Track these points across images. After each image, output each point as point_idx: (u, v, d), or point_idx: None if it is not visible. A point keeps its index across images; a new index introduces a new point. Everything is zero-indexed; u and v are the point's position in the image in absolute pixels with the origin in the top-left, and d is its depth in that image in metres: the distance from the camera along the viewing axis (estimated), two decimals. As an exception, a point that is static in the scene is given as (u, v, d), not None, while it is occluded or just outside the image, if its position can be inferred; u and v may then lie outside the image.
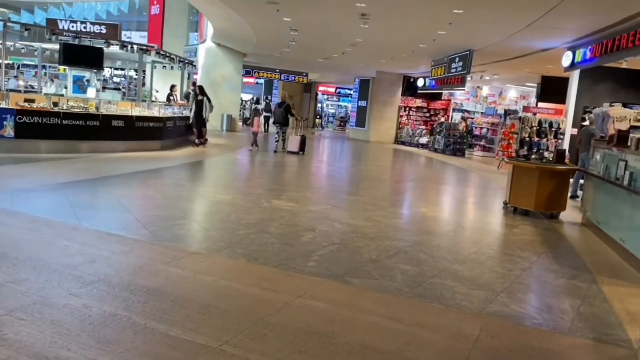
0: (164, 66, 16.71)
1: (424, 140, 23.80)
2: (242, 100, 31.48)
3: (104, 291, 3.59)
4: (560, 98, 19.73)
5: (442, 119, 25.76)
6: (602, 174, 7.02)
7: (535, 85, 23.04)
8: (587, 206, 7.90)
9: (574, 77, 14.89)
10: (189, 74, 19.70)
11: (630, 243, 5.72)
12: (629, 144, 6.98)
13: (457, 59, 16.94)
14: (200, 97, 14.73)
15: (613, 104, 9.62)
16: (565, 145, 14.71)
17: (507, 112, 24.43)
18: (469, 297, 4.20)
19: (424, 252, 5.48)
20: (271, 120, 22.49)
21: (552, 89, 20.46)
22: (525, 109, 15.09)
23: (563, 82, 20.18)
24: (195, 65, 21.47)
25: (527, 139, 14.65)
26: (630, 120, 9.19)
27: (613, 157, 6.88)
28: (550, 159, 8.95)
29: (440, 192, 11.19)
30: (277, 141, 16.00)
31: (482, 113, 26.56)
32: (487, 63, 17.89)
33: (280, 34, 16.58)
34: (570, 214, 8.50)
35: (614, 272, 5.36)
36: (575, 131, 15.01)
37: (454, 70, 17.31)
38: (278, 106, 15.97)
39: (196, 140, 14.99)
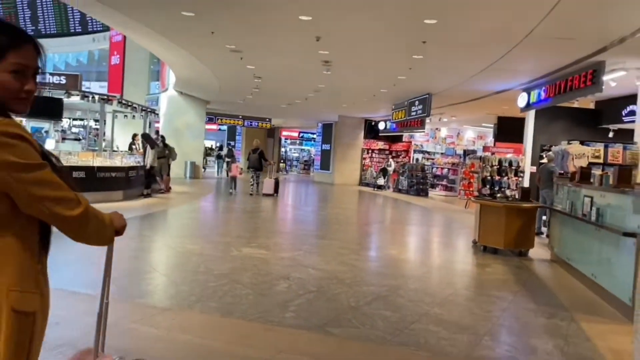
0: (125, 115, 16.50)
1: (381, 181, 23.82)
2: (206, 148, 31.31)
3: (71, 355, 3.33)
4: (517, 137, 20.41)
5: (400, 160, 26.19)
6: (569, 210, 7.17)
7: (492, 125, 23.83)
8: (555, 243, 8.02)
9: (530, 117, 15.44)
10: (150, 123, 19.54)
11: (602, 278, 5.79)
12: (591, 180, 7.19)
13: (417, 102, 17.37)
14: (158, 146, 14.52)
15: (571, 142, 9.95)
16: (526, 183, 15.10)
17: (466, 152, 25.07)
18: (453, 342, 4.11)
19: (402, 297, 5.39)
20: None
21: (508, 128, 21.13)
22: (485, 148, 15.53)
23: (519, 122, 20.91)
24: (157, 114, 21.31)
25: (489, 177, 14.98)
26: (588, 157, 9.50)
27: (578, 193, 7.05)
28: (516, 196, 9.11)
29: (409, 233, 11.21)
30: (252, 185, 16.87)
31: (442, 154, 27.14)
32: (445, 105, 18.39)
33: (244, 82, 16.69)
34: (538, 251, 8.60)
35: (590, 309, 5.38)
36: (534, 169, 15.45)
37: (414, 113, 17.72)
38: (252, 152, 16.87)
39: (159, 188, 14.72)
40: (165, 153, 15.08)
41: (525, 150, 15.34)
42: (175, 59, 14.46)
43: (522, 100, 13.96)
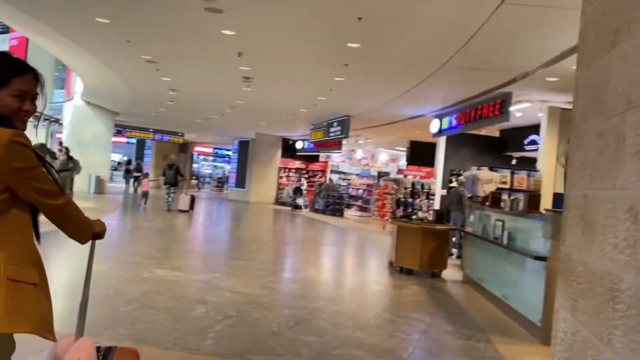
0: (26, 123, 15.27)
1: (300, 201, 23.90)
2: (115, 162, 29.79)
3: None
4: (428, 161, 21.27)
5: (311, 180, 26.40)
6: (481, 233, 7.46)
7: (405, 149, 24.71)
8: (467, 264, 8.31)
9: (441, 143, 16.13)
10: (51, 133, 18.27)
11: (513, 300, 6.03)
12: (501, 205, 7.54)
13: (335, 123, 17.60)
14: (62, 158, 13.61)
15: (480, 168, 10.46)
16: (436, 205, 15.69)
17: (380, 174, 25.74)
18: (377, 367, 4.05)
19: (324, 320, 5.29)
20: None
21: (420, 152, 21.98)
22: (400, 171, 16.02)
23: (430, 147, 21.82)
24: (61, 124, 19.99)
25: (403, 199, 15.42)
26: (496, 182, 10.02)
27: (489, 217, 7.36)
28: (429, 219, 9.38)
29: (327, 254, 11.19)
30: (167, 201, 16.58)
31: (357, 175, 27.69)
32: (362, 128, 18.80)
33: (158, 94, 16.10)
34: (450, 272, 8.86)
35: (503, 330, 5.56)
36: (444, 192, 16.12)
37: (332, 134, 17.94)
38: (168, 168, 16.75)
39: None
40: (69, 166, 14.13)
41: (436, 174, 15.98)
42: (85, 66, 13.66)
43: (434, 126, 14.56)
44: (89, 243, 2.12)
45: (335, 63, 9.97)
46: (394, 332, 5.14)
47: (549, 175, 10.30)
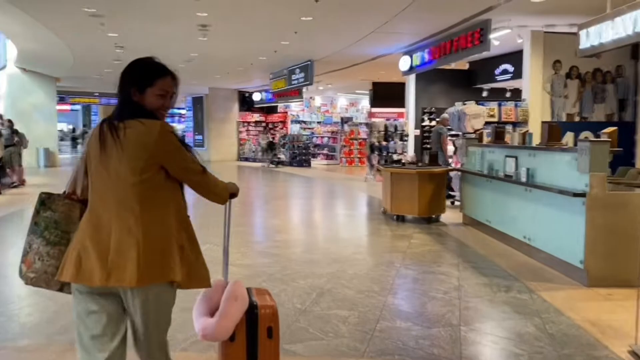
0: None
1: (282, 156, 22.68)
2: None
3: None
4: (393, 102, 20.72)
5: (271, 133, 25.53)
6: (487, 172, 6.97)
7: (367, 91, 23.99)
8: (469, 206, 7.87)
9: (411, 81, 15.50)
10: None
11: (539, 241, 5.60)
12: (507, 139, 7.04)
13: (297, 70, 16.65)
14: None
15: (466, 103, 9.91)
16: (411, 147, 15.23)
17: (343, 120, 25.06)
18: (432, 340, 3.52)
19: (347, 287, 4.70)
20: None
21: (384, 93, 21.38)
22: (371, 114, 15.39)
23: (394, 87, 21.21)
24: (-4, 95, 18.24)
25: (377, 143, 14.86)
26: (484, 116, 9.52)
27: (495, 154, 6.86)
28: (406, 161, 8.83)
29: (316, 209, 10.59)
30: None
31: (319, 122, 26.91)
32: (324, 73, 17.85)
33: (103, 53, 14.67)
34: (448, 215, 8.42)
35: (538, 276, 5.14)
36: (417, 132, 15.64)
37: (295, 81, 17.00)
38: None
39: (11, 182, 12.49)
40: (15, 140, 12.78)
41: (408, 114, 15.43)
42: (18, 28, 12.11)
43: (404, 63, 13.86)
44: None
45: (302, 1, 9.04)
46: (428, 292, 4.61)
47: (536, 104, 9.88)
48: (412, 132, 15.22)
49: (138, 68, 2.16)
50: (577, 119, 10.09)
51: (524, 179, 5.82)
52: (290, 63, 16.57)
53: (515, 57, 13.76)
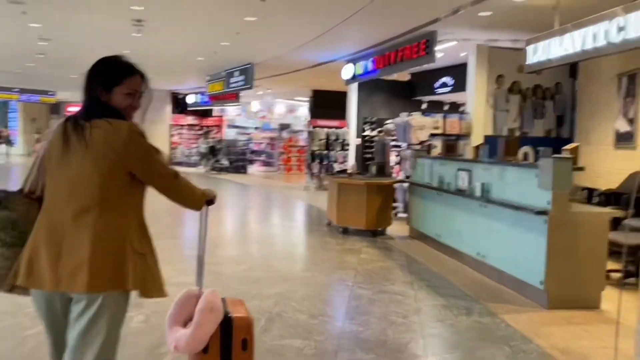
0: None
1: (225, 161, 21.74)
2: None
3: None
4: (332, 111, 20.53)
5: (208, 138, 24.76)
6: (437, 185, 6.78)
7: (307, 98, 23.71)
8: (417, 219, 7.66)
9: (353, 90, 15.35)
10: None
11: (494, 259, 5.42)
12: (459, 152, 6.88)
13: (237, 72, 16.07)
14: None
15: (412, 114, 9.78)
16: (351, 156, 15.04)
17: (282, 127, 24.64)
18: (402, 375, 3.16)
19: (299, 311, 4.27)
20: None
21: (324, 102, 21.16)
22: (312, 122, 15.11)
23: (334, 95, 21.05)
24: None
25: (317, 151, 14.55)
26: (429, 128, 9.42)
27: (446, 166, 6.68)
28: (352, 172, 8.56)
29: (258, 220, 10.09)
30: None
31: (256, 128, 26.34)
32: (264, 77, 17.38)
33: (25, 45, 13.49)
34: (394, 228, 8.18)
35: (496, 296, 4.93)
36: (359, 141, 15.48)
37: (234, 85, 16.41)
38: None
39: None
40: None
41: (350, 123, 15.25)
42: None
43: (347, 72, 13.64)
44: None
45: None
46: (387, 315, 4.27)
47: (479, 118, 9.89)
48: (353, 141, 15.03)
49: (106, 66, 2.08)
50: (517, 133, 10.20)
51: (478, 194, 5.64)
52: (230, 65, 15.97)
53: (455, 71, 13.91)
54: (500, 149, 5.52)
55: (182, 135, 25.26)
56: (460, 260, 6.17)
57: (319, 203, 11.37)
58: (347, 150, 14.82)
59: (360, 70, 13.06)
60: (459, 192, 6.14)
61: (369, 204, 7.67)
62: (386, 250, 6.90)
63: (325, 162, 14.69)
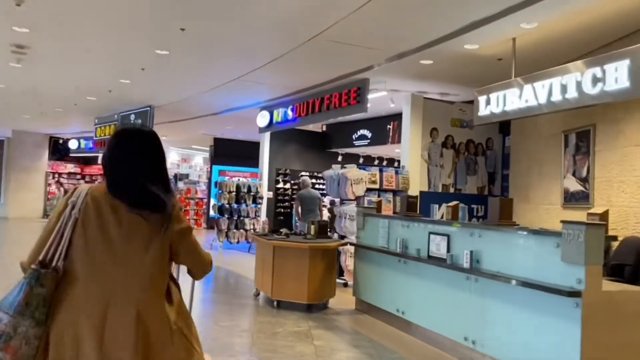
0: None
1: None
2: None
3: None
4: (235, 160, 19.25)
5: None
6: (400, 251, 5.73)
7: (206, 147, 22.19)
8: (368, 289, 6.53)
9: (266, 140, 14.26)
10: None
11: (492, 347, 4.41)
12: (421, 213, 5.94)
13: (133, 116, 14.29)
14: None
15: (345, 166, 8.82)
16: (264, 211, 13.76)
17: (178, 177, 22.75)
18: None
19: None
20: None
21: (225, 151, 19.85)
22: (222, 172, 13.65)
23: (237, 145, 19.86)
24: None
25: (227, 205, 13.08)
26: (366, 182, 8.51)
27: (413, 229, 5.68)
28: (285, 232, 7.34)
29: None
30: None
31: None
32: (163, 122, 15.71)
33: None
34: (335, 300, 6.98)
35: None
36: (271, 194, 14.26)
37: (129, 129, 14.57)
38: None
39: None
40: None
41: (262, 175, 14.03)
42: None
43: (262, 119, 12.53)
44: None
45: (165, 27, 7.25)
46: None
47: (415, 172, 9.19)
48: (265, 194, 13.80)
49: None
50: (452, 190, 9.64)
51: (465, 265, 4.66)
52: (125, 107, 14.18)
53: (372, 123, 13.40)
54: (493, 210, 4.62)
55: (61, 185, 22.32)
56: (440, 345, 5.09)
57: (231, 265, 9.91)
58: (260, 203, 13.51)
59: (278, 118, 12.03)
60: (434, 260, 5.14)
61: (311, 272, 6.43)
62: (341, 332, 5.66)
63: (235, 217, 13.20)
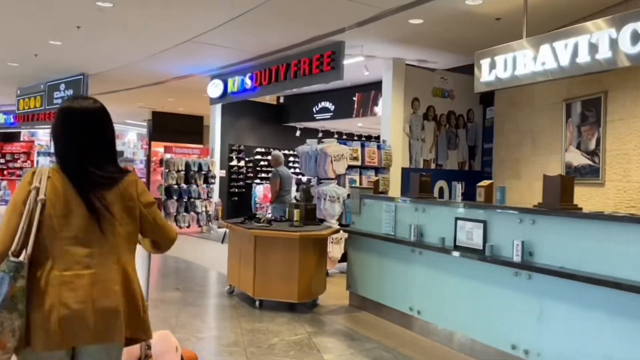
0: None
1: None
2: None
3: None
4: (175, 135, 17.69)
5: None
6: (415, 238, 4.83)
7: (142, 122, 20.42)
8: (366, 283, 5.61)
9: (217, 113, 12.91)
10: None
11: (542, 353, 3.61)
12: (448, 195, 5.05)
13: (63, 85, 12.52)
14: None
15: (323, 141, 7.78)
16: (216, 191, 12.52)
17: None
18: None
19: None
20: None
21: (164, 125, 18.28)
22: (167, 149, 12.23)
23: (178, 119, 18.31)
24: None
25: (175, 186, 11.72)
26: (347, 158, 7.53)
27: (428, 213, 4.78)
28: (264, 218, 6.27)
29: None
30: None
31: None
32: (98, 93, 13.95)
33: None
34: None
35: None
36: (223, 173, 13.02)
37: (58, 101, 12.76)
38: None
39: None
40: None
41: (214, 152, 12.73)
42: None
43: (215, 89, 11.22)
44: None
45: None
46: None
47: (398, 147, 8.32)
48: (218, 173, 12.54)
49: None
50: (433, 166, 8.86)
51: (516, 258, 3.81)
52: (54, 76, 12.38)
53: (335, 95, 12.41)
54: (551, 190, 3.75)
55: (-25, 165, 19.92)
56: (474, 353, 4.25)
57: (183, 254, 8.76)
58: (213, 183, 12.25)
59: (234, 87, 10.77)
60: (464, 251, 4.27)
61: (302, 266, 5.42)
62: (347, 338, 4.72)
63: (184, 199, 11.90)
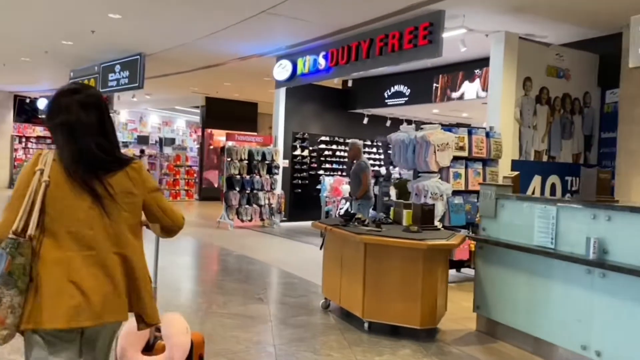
0: None
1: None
2: None
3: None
4: (227, 124, 16.82)
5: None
6: (596, 256, 3.61)
7: (193, 108, 19.70)
8: (512, 310, 4.42)
9: (281, 98, 11.85)
10: None
11: None
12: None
13: (118, 67, 11.71)
14: None
15: (423, 127, 6.60)
16: (279, 182, 11.50)
17: (162, 141, 20.27)
18: None
19: None
20: None
21: (217, 113, 17.48)
22: (229, 136, 11.26)
23: (228, 105, 17.47)
24: None
25: (238, 176, 10.76)
26: (452, 148, 6.34)
27: (621, 222, 3.56)
28: (367, 220, 5.14)
29: (188, 287, 6.04)
30: None
31: (129, 142, 21.47)
32: (151, 77, 13.10)
33: None
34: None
35: None
36: (286, 163, 11.99)
37: (114, 83, 11.99)
38: None
39: None
40: None
41: (277, 140, 11.71)
42: None
43: (282, 70, 10.16)
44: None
45: None
46: None
47: (508, 135, 7.06)
48: (281, 163, 11.52)
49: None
50: (545, 158, 7.56)
51: None
52: (109, 56, 11.58)
53: (411, 78, 11.17)
54: None
55: (28, 151, 19.59)
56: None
57: (249, 250, 7.81)
58: (276, 174, 11.24)
59: (304, 69, 9.68)
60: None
61: (425, 282, 4.29)
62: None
63: (247, 190, 10.94)
